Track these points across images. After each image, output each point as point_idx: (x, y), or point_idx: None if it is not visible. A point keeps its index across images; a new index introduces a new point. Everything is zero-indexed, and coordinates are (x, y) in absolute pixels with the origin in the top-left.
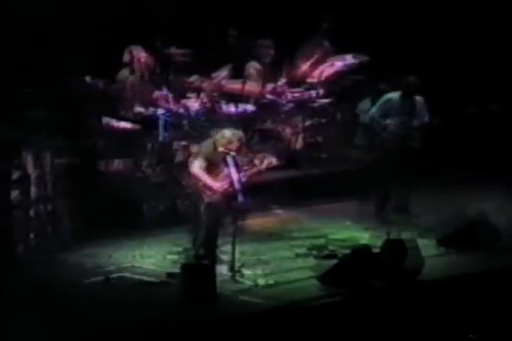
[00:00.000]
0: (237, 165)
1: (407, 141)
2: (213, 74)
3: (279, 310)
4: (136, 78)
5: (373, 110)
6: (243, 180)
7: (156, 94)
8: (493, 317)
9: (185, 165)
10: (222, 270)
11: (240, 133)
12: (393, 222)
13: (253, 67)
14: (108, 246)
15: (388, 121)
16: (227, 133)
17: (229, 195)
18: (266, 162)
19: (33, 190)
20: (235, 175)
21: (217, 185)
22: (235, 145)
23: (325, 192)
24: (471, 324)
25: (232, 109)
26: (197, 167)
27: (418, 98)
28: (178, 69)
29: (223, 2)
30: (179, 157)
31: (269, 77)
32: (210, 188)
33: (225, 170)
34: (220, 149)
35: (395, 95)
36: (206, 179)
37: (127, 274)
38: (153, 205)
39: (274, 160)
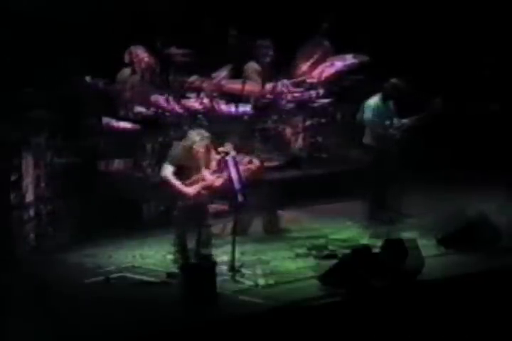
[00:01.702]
0: (236, 166)
1: (404, 141)
2: (213, 74)
3: (279, 310)
4: (137, 78)
5: (367, 114)
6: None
7: (156, 97)
8: (493, 317)
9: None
10: (222, 270)
11: (203, 132)
12: (391, 222)
13: (252, 67)
14: (108, 246)
15: (386, 123)
16: (190, 133)
17: (203, 199)
18: (245, 161)
19: (33, 190)
20: (234, 176)
21: (187, 189)
22: (200, 144)
23: (325, 192)
24: (471, 324)
25: (232, 109)
26: (166, 171)
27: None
28: (178, 69)
29: (223, 2)
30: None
31: (269, 77)
32: (180, 193)
33: (200, 173)
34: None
35: (373, 99)
36: (175, 183)
37: (127, 274)
38: (153, 205)
39: (256, 162)
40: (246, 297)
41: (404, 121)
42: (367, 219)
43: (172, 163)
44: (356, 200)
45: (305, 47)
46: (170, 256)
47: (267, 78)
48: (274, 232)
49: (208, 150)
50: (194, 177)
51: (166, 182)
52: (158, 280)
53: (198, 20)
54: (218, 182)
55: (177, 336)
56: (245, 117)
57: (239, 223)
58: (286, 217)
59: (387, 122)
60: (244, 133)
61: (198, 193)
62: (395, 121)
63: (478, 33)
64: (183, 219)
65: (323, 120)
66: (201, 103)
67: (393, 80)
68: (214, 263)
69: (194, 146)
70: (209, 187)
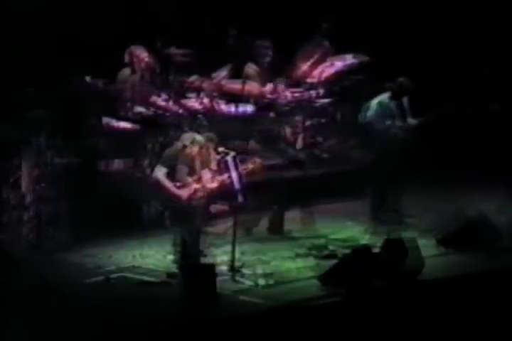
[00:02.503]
0: (236, 166)
1: (406, 141)
2: (213, 74)
3: (279, 310)
4: (137, 78)
5: (370, 113)
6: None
7: (155, 98)
8: (494, 317)
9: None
10: (222, 270)
11: (194, 135)
12: (391, 222)
13: (251, 67)
14: (108, 246)
15: (387, 123)
16: (183, 135)
17: (198, 200)
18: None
19: (33, 190)
20: (234, 176)
21: (179, 191)
22: (192, 146)
23: (325, 192)
24: (471, 324)
25: (232, 109)
26: (158, 173)
27: (404, 98)
28: (178, 69)
29: (223, 2)
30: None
31: (268, 77)
32: (174, 195)
33: (196, 175)
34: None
35: (384, 97)
36: (167, 185)
37: (127, 274)
38: (153, 205)
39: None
40: (246, 297)
41: (413, 120)
42: (369, 219)
43: (165, 165)
44: (356, 200)
45: (305, 47)
46: (170, 256)
47: (266, 78)
48: (277, 233)
49: (207, 152)
50: (189, 179)
51: (158, 184)
52: (158, 280)
53: (198, 21)
54: (213, 184)
55: (177, 336)
56: (246, 117)
57: (245, 222)
58: (287, 217)
59: (389, 122)
60: (244, 133)
61: (192, 195)
62: (399, 120)
63: (479, 32)
64: (176, 220)
65: (323, 120)
66: (201, 103)
67: (400, 79)
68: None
69: (186, 148)
70: (204, 189)
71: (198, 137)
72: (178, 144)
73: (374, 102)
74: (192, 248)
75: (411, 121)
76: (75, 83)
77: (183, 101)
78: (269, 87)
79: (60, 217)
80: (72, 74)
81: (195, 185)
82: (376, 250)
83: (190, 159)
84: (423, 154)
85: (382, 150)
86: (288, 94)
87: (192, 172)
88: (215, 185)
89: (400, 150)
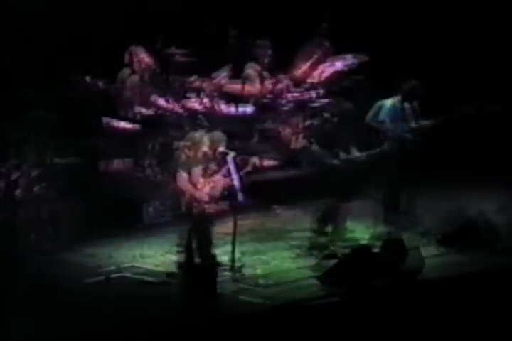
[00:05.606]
0: (237, 165)
1: (412, 144)
2: (213, 74)
3: (279, 310)
4: (137, 78)
5: (382, 117)
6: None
7: (155, 97)
8: (493, 317)
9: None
10: (222, 270)
11: (203, 132)
12: (393, 222)
13: (252, 67)
14: (108, 246)
15: (390, 125)
16: (192, 134)
17: (212, 202)
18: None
19: (33, 190)
20: (234, 175)
21: (201, 195)
22: (202, 145)
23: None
24: (471, 324)
25: (232, 109)
26: (185, 181)
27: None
28: (178, 69)
29: (223, 2)
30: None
31: (268, 77)
32: (195, 199)
33: (207, 177)
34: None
35: (390, 100)
36: (192, 191)
37: (127, 274)
38: (153, 205)
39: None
40: (246, 297)
41: (425, 123)
42: (367, 219)
43: (185, 170)
44: (356, 200)
45: (305, 47)
46: (171, 256)
47: (266, 78)
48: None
49: (213, 152)
50: (202, 181)
51: (181, 189)
52: (158, 280)
53: (198, 21)
54: (220, 184)
55: (177, 336)
56: (246, 117)
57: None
58: (286, 217)
59: (404, 125)
60: (245, 133)
61: (211, 195)
62: (412, 123)
63: (479, 32)
64: (198, 224)
65: None
66: (201, 103)
67: (413, 82)
68: (219, 264)
69: (194, 146)
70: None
71: (205, 133)
72: (192, 144)
73: (387, 104)
74: (203, 249)
75: (424, 123)
76: (75, 83)
77: (183, 101)
78: (269, 86)
79: (60, 217)
80: (72, 74)
81: (209, 187)
82: (376, 250)
83: (202, 159)
84: (424, 154)
85: (394, 152)
86: (288, 94)
87: (204, 173)
88: (221, 185)
89: (410, 152)
